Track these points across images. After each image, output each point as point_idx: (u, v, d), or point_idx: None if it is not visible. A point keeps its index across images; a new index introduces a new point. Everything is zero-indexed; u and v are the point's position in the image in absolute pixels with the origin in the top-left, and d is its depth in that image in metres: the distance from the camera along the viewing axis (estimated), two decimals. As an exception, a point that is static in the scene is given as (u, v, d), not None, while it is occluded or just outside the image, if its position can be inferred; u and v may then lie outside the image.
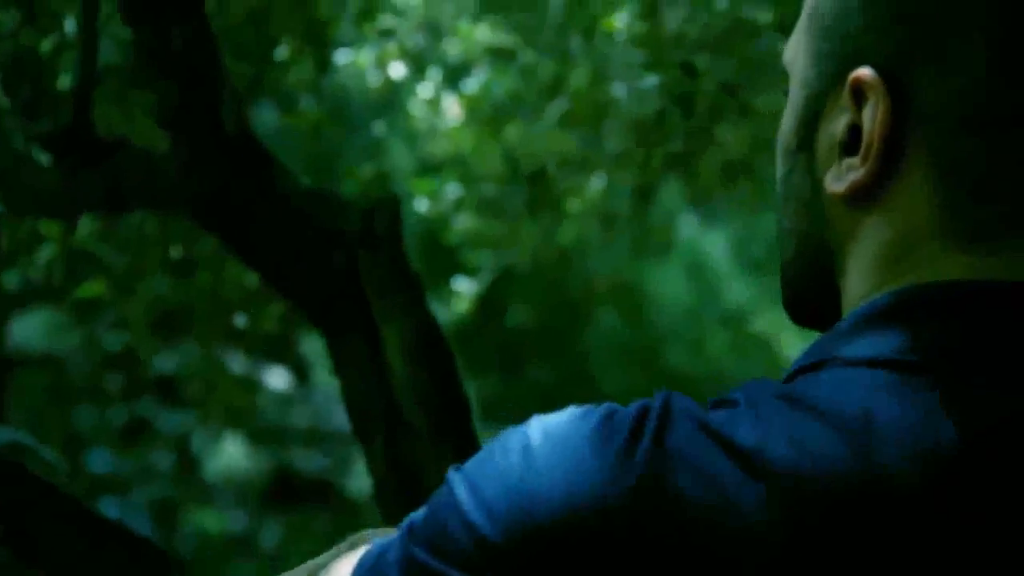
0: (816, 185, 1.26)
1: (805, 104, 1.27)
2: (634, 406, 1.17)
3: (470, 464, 1.18)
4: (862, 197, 1.22)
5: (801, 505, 1.10)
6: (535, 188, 4.86)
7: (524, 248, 4.98)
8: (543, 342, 8.77)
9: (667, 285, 8.02)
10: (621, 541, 1.09)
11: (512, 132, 4.90)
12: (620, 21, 4.30)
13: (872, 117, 1.19)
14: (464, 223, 5.05)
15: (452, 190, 5.20)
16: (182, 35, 2.82)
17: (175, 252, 4.09)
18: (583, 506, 1.10)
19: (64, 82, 3.11)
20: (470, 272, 5.31)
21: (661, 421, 1.14)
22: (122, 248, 4.06)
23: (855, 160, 1.22)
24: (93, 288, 4.05)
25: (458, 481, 1.16)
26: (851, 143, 1.22)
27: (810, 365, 1.20)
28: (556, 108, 4.73)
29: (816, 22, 1.28)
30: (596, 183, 4.71)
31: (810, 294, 1.31)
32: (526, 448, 1.14)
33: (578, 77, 4.62)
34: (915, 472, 1.11)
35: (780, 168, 1.32)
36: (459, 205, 5.15)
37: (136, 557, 3.37)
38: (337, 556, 1.41)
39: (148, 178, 3.08)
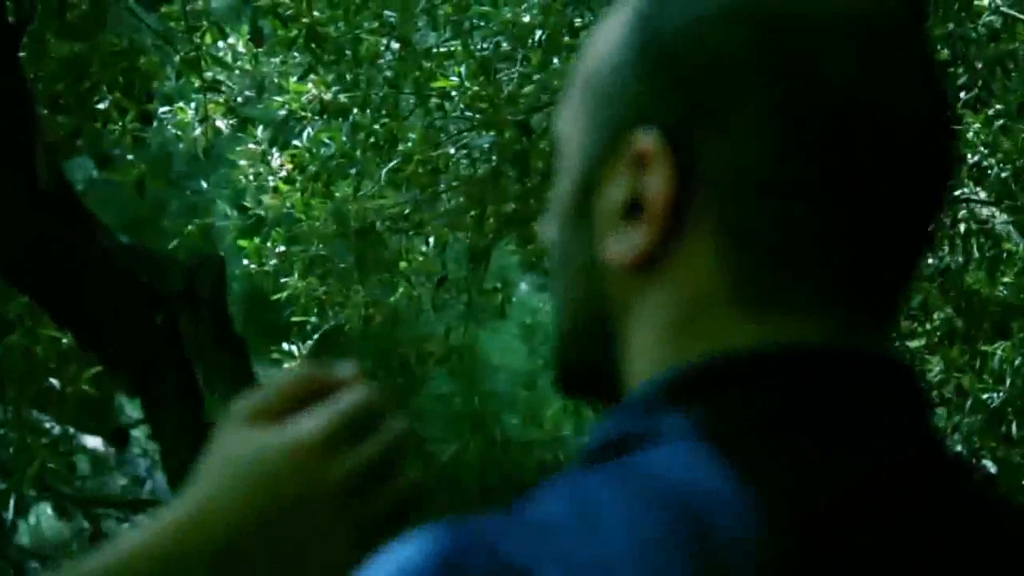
0: (593, 253, 1.19)
1: (582, 170, 1.19)
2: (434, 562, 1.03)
3: None
4: (644, 264, 1.15)
5: None
6: (365, 247, 4.83)
7: (354, 309, 4.99)
8: (377, 406, 8.97)
9: (502, 349, 8.09)
10: None
11: (342, 190, 4.92)
12: (454, 80, 4.36)
13: (654, 183, 1.12)
14: (292, 283, 5.02)
15: (279, 249, 5.17)
16: None
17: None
18: None
19: None
20: (298, 334, 5.32)
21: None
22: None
23: (638, 225, 1.14)
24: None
25: None
26: (632, 209, 1.15)
27: (616, 442, 1.11)
28: (388, 166, 4.76)
29: (591, 88, 1.21)
30: (429, 244, 4.76)
31: (585, 365, 1.23)
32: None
33: (411, 135, 4.60)
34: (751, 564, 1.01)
35: (556, 237, 1.24)
36: (286, 264, 5.12)
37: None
38: None
39: None
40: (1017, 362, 5.78)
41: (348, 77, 4.94)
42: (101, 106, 4.15)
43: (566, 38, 4.33)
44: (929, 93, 1.15)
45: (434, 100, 4.46)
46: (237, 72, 4.95)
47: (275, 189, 5.09)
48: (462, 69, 4.27)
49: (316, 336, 5.47)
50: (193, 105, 4.99)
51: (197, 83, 4.84)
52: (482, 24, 4.91)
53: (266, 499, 1.19)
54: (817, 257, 1.14)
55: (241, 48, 5.07)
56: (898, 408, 1.14)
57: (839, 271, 1.15)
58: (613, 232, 1.14)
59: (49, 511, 9.07)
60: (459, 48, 4.77)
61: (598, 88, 1.19)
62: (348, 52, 4.89)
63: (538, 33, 4.69)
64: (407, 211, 4.63)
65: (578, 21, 4.65)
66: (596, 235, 1.16)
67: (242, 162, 5.26)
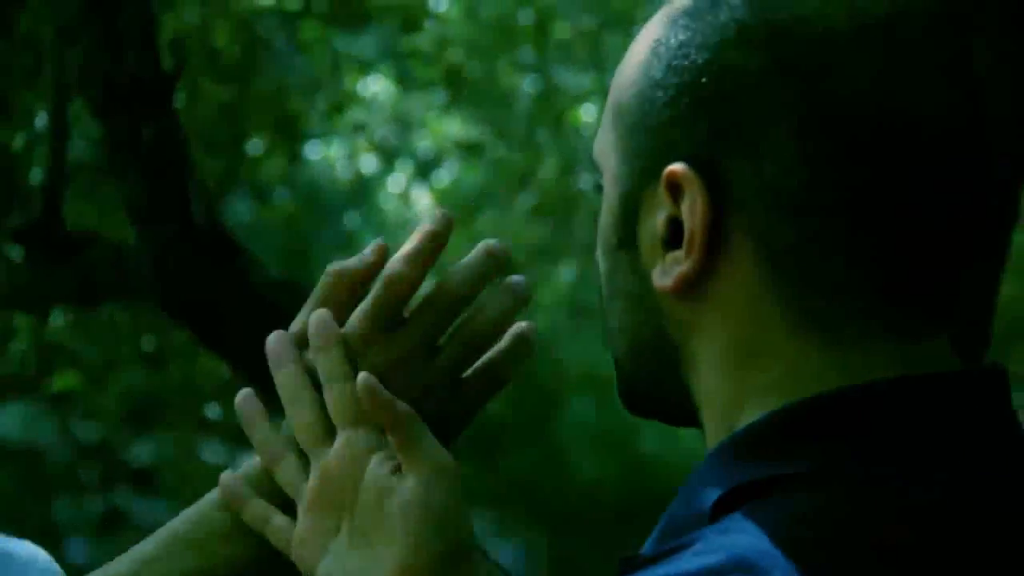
0: (644, 282, 1.27)
1: (621, 202, 1.26)
2: None
3: None
4: (692, 289, 1.08)
5: None
6: (506, 277, 4.89)
7: (496, 339, 5.19)
8: (517, 431, 8.94)
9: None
10: None
11: (482, 224, 5.03)
12: (587, 114, 4.37)
13: (691, 210, 1.17)
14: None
15: (423, 282, 5.15)
16: (152, 130, 2.91)
17: (147, 343, 4.14)
18: None
19: (35, 177, 3.15)
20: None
21: None
22: (94, 340, 4.11)
23: (679, 254, 1.21)
24: (66, 380, 4.09)
25: None
26: (673, 237, 1.21)
27: (727, 501, 1.20)
28: (526, 199, 4.86)
29: (621, 119, 1.27)
30: (566, 273, 4.80)
31: (651, 387, 1.29)
32: None
33: (547, 169, 4.61)
34: None
35: (603, 266, 1.27)
36: (430, 295, 5.11)
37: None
38: None
39: (118, 272, 3.16)
40: None
41: (486, 114, 5.04)
42: (254, 148, 4.31)
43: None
44: (958, 93, 1.17)
45: (570, 134, 4.47)
46: (381, 112, 5.07)
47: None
48: (595, 105, 4.28)
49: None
50: (340, 144, 5.18)
51: (343, 124, 4.95)
52: (615, 60, 4.94)
53: None
54: (859, 276, 1.20)
55: (384, 89, 5.20)
56: (997, 421, 1.22)
57: (880, 290, 1.20)
58: (658, 259, 1.25)
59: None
60: (593, 84, 4.79)
61: (627, 119, 1.25)
62: (486, 90, 4.99)
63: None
64: (544, 242, 4.65)
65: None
66: (643, 265, 1.26)
67: (387, 198, 5.37)
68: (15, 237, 3.07)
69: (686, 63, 1.20)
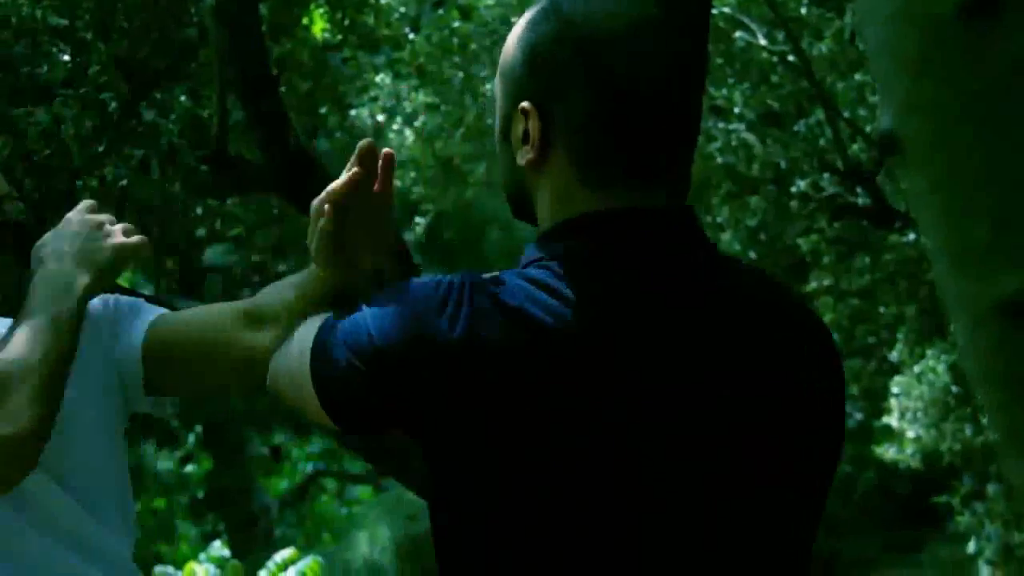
0: (512, 160, 1.74)
1: (503, 118, 1.73)
2: (450, 279, 1.66)
3: (372, 305, 1.68)
4: (535, 166, 1.72)
5: (540, 341, 1.59)
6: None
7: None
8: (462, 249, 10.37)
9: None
10: (451, 367, 1.58)
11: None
12: None
13: (532, 126, 1.68)
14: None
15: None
16: (268, 105, 3.89)
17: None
18: (429, 345, 1.60)
19: (211, 130, 4.01)
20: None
21: (471, 292, 1.61)
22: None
23: (528, 148, 1.69)
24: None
25: (364, 311, 1.68)
26: (524, 139, 1.69)
27: (531, 261, 1.69)
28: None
29: (502, 77, 1.74)
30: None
31: (519, 207, 1.82)
32: (399, 299, 1.65)
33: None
34: (577, 325, 1.60)
35: (498, 149, 1.79)
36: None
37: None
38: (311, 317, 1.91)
39: (254, 176, 4.14)
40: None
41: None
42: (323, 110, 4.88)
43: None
44: (678, 65, 1.68)
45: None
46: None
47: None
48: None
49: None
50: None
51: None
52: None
53: None
54: (615, 158, 1.67)
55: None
56: (679, 232, 1.70)
57: (633, 168, 1.68)
58: (519, 150, 1.70)
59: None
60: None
61: (504, 72, 1.72)
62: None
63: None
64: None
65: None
66: (512, 151, 1.71)
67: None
68: (205, 160, 3.85)
69: (530, 49, 1.67)
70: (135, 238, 2.13)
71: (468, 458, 1.61)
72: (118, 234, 2.13)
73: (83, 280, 2.10)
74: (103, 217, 2.15)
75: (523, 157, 1.69)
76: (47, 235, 2.13)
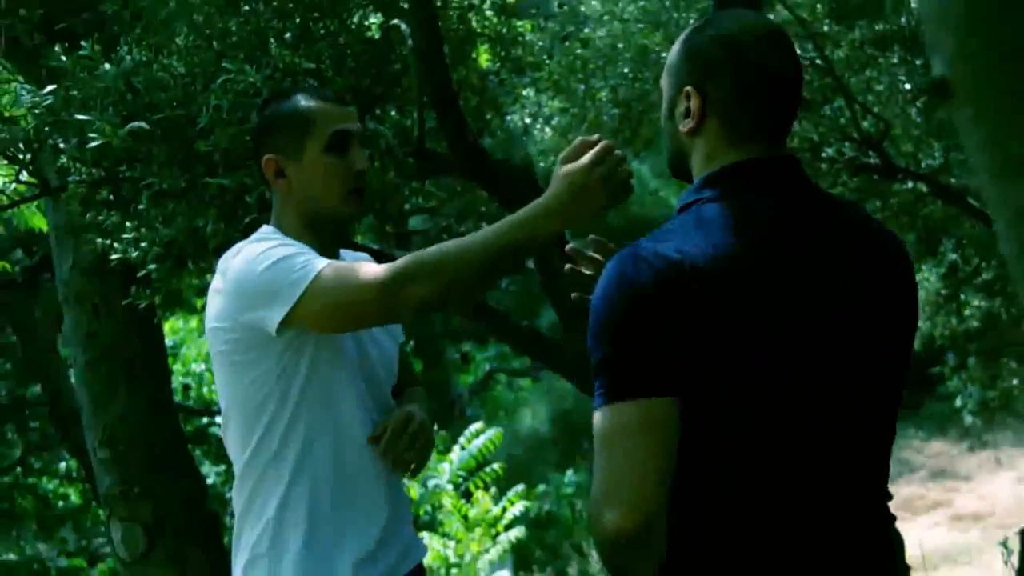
0: (676, 131, 1.74)
1: (668, 100, 1.74)
2: (625, 253, 1.61)
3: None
4: (693, 133, 1.71)
5: (700, 273, 1.53)
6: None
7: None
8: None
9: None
10: (648, 305, 1.54)
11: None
12: None
13: (693, 103, 1.69)
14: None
15: None
16: (451, 114, 3.75)
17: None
18: (638, 286, 1.55)
19: (413, 132, 3.79)
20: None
21: (636, 255, 1.58)
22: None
23: (690, 120, 1.71)
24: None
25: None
26: (687, 114, 1.71)
27: (689, 204, 1.68)
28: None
29: (669, 69, 1.74)
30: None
31: (679, 169, 1.78)
32: (615, 267, 1.60)
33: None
34: (739, 252, 1.56)
35: (664, 127, 1.79)
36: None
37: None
38: None
39: (444, 164, 4.00)
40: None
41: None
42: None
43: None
44: (790, 61, 1.70)
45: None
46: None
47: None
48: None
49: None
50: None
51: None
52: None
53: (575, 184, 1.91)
54: (753, 125, 1.68)
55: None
56: (795, 177, 1.69)
57: (762, 131, 1.68)
58: (682, 122, 1.72)
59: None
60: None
61: (672, 70, 1.73)
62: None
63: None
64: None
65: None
66: (677, 123, 1.74)
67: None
68: (410, 154, 3.74)
69: (692, 49, 1.71)
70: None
71: (686, 363, 1.52)
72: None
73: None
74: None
75: (686, 126, 1.69)
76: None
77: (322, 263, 2.12)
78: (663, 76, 1.75)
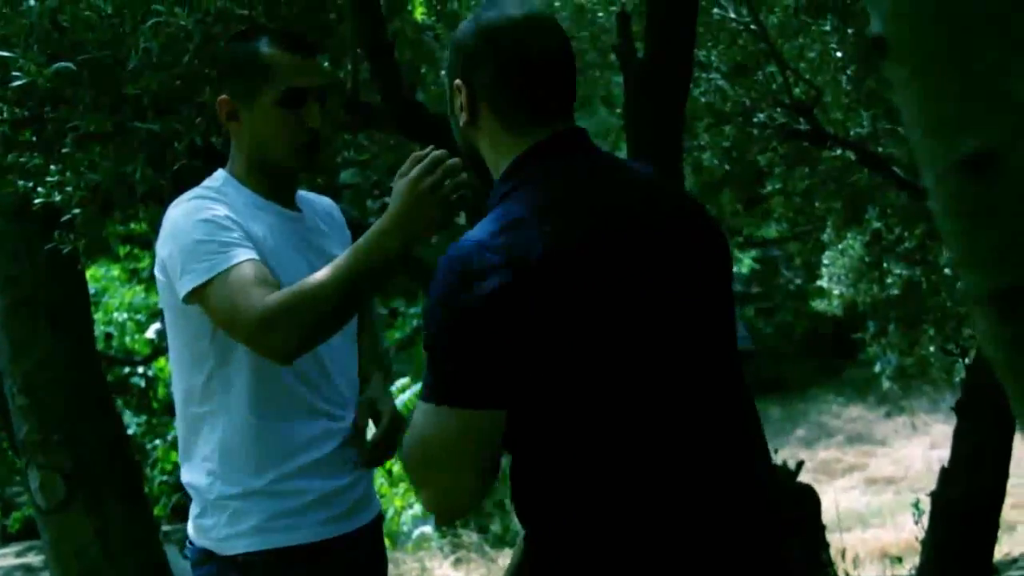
0: (458, 122, 1.77)
1: (450, 96, 1.78)
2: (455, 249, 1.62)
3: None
4: (470, 126, 1.75)
5: (516, 259, 1.56)
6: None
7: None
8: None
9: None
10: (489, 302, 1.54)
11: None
12: None
13: (464, 95, 1.72)
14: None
15: None
16: (385, 65, 3.68)
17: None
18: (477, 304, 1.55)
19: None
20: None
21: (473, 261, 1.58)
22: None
23: (464, 113, 1.75)
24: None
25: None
26: (462, 108, 1.75)
27: (497, 200, 1.70)
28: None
29: (446, 69, 1.81)
30: None
31: (473, 164, 1.83)
32: (446, 276, 1.59)
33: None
34: (552, 241, 1.58)
35: (451, 121, 1.82)
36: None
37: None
38: None
39: (376, 116, 3.98)
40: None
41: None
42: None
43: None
44: (554, 43, 1.71)
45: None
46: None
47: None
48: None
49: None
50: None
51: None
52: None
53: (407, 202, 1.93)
54: (526, 110, 1.71)
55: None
56: (584, 150, 1.72)
57: (538, 114, 1.71)
58: (459, 115, 1.75)
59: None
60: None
61: (447, 69, 1.80)
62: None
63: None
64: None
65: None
66: (457, 115, 1.76)
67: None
68: (343, 106, 3.74)
69: (456, 44, 1.75)
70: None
71: (524, 357, 1.53)
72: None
73: None
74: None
75: (462, 119, 1.71)
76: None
77: (238, 258, 2.14)
78: (446, 66, 1.79)
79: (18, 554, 11.48)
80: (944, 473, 6.35)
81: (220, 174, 2.40)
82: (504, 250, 1.52)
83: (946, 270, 6.58)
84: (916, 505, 6.96)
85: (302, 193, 2.48)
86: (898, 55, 0.65)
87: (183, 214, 2.22)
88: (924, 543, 6.43)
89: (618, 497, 1.53)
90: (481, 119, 1.69)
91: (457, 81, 1.70)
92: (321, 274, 2.04)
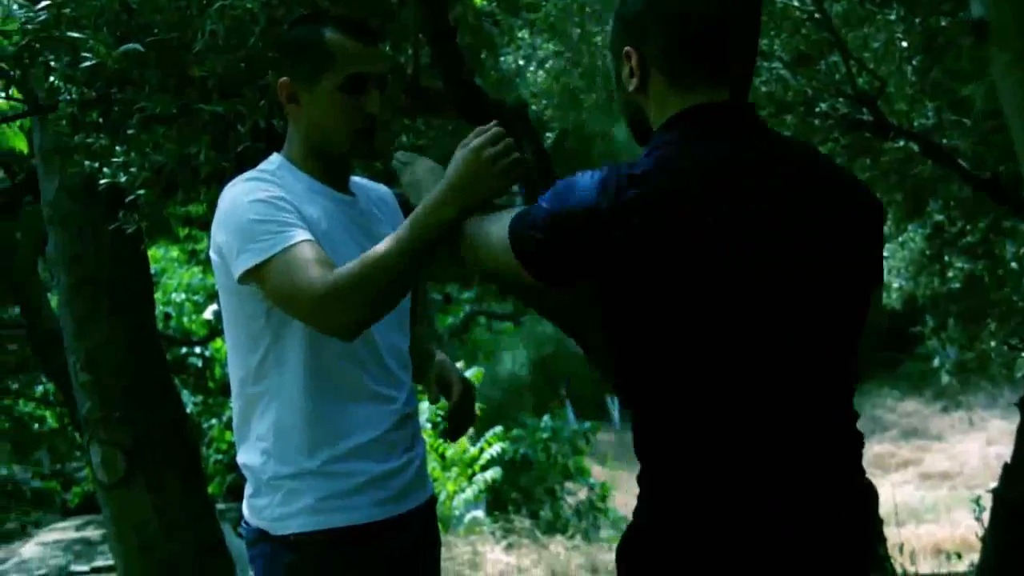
0: (629, 94, 1.82)
1: (615, 65, 1.83)
2: (599, 170, 1.68)
3: (551, 191, 1.71)
4: (639, 91, 1.79)
5: (654, 188, 1.61)
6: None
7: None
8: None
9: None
10: (606, 226, 1.61)
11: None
12: None
13: (634, 63, 1.78)
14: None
15: None
16: (446, 51, 3.61)
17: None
18: (589, 211, 1.63)
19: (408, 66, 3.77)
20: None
21: (613, 174, 1.64)
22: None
23: (635, 79, 1.79)
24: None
25: (546, 196, 1.71)
26: (631, 74, 1.79)
27: (651, 148, 1.74)
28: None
29: (610, 43, 1.85)
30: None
31: (637, 131, 1.86)
32: (568, 185, 1.70)
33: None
34: (694, 179, 1.64)
35: (616, 94, 1.87)
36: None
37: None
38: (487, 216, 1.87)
39: (437, 100, 3.83)
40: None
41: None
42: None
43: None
44: (716, 5, 1.71)
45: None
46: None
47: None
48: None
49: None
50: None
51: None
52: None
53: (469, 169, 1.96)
54: (693, 72, 1.74)
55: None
56: (749, 120, 1.75)
57: (702, 76, 1.74)
58: (629, 82, 1.81)
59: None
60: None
61: (612, 42, 1.85)
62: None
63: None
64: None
65: None
66: (626, 86, 1.82)
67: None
68: (403, 90, 3.68)
69: (622, 15, 1.79)
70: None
71: (630, 288, 1.59)
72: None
73: None
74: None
75: (632, 85, 1.74)
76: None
77: (296, 239, 2.14)
78: (610, 41, 1.82)
79: (78, 528, 11.65)
80: (1007, 470, 6.23)
81: (275, 157, 2.41)
82: (643, 179, 1.58)
83: (1012, 264, 6.45)
84: (977, 501, 6.86)
85: (356, 179, 2.49)
86: (1000, 40, 0.63)
87: (239, 195, 2.23)
88: (984, 540, 6.33)
89: (720, 449, 1.59)
90: (651, 84, 1.73)
91: (627, 48, 1.73)
92: (382, 247, 2.04)
